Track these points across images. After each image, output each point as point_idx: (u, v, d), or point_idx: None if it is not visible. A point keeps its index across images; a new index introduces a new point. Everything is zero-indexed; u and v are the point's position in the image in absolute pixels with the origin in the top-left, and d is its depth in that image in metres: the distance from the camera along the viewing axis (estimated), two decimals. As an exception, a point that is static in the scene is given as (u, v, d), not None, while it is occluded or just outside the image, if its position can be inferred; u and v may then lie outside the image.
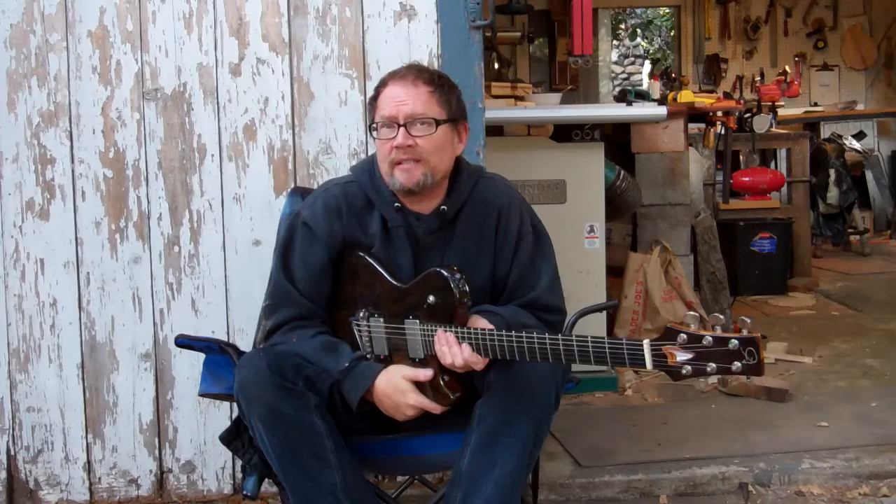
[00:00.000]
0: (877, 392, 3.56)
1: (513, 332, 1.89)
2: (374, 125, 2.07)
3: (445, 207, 2.10)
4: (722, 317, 1.75)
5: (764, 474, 2.82)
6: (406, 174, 2.03)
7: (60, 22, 2.63)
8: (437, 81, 2.09)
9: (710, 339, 1.70)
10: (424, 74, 2.09)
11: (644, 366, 1.76)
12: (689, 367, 1.72)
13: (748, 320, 1.72)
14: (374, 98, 2.10)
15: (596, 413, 3.45)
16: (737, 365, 1.69)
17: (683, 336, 1.72)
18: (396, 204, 2.10)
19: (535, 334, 1.87)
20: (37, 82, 2.63)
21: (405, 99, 2.03)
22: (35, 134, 2.64)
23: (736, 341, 1.69)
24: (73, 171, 2.66)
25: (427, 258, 2.10)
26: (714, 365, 1.70)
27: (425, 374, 1.99)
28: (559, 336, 1.86)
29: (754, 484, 2.80)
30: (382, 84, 2.10)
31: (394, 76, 2.09)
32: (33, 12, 2.62)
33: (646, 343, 1.75)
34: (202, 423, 2.73)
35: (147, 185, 2.67)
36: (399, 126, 2.02)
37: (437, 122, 2.04)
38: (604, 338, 1.83)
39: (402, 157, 2.02)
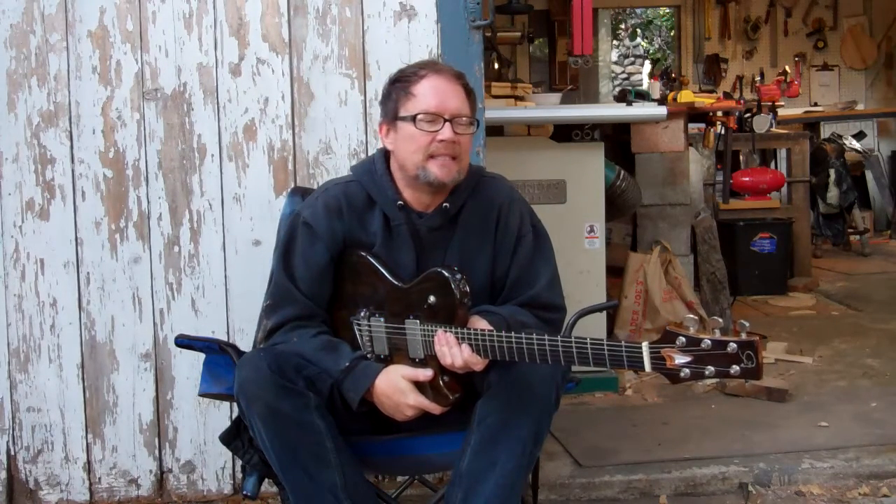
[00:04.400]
0: (877, 392, 3.57)
1: (512, 334, 1.89)
2: (412, 116, 2.02)
3: (448, 205, 2.10)
4: (721, 320, 1.74)
5: (764, 474, 2.82)
6: (444, 169, 2.03)
7: (60, 22, 2.63)
8: (468, 83, 2.12)
9: (709, 342, 1.70)
10: (460, 75, 2.11)
11: (643, 368, 1.75)
12: (687, 370, 1.72)
13: (747, 324, 1.71)
14: (406, 88, 2.06)
15: (596, 413, 3.45)
16: (735, 368, 1.69)
17: (682, 339, 1.71)
18: (399, 202, 2.10)
19: (534, 336, 1.87)
20: (37, 82, 2.63)
21: (452, 95, 2.05)
22: (35, 134, 2.64)
23: (735, 345, 1.68)
24: (73, 171, 2.66)
25: (429, 255, 2.11)
26: (712, 368, 1.70)
27: (425, 374, 1.99)
28: (558, 338, 1.86)
29: (754, 484, 2.80)
30: (416, 75, 2.07)
31: (432, 69, 2.08)
32: (33, 12, 2.62)
33: (644, 345, 1.75)
34: (202, 423, 2.73)
35: (147, 185, 2.67)
36: (445, 121, 2.02)
37: (476, 123, 2.08)
38: (603, 340, 1.83)
39: (442, 151, 2.02)
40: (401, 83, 2.08)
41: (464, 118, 2.05)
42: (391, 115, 2.09)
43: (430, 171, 2.03)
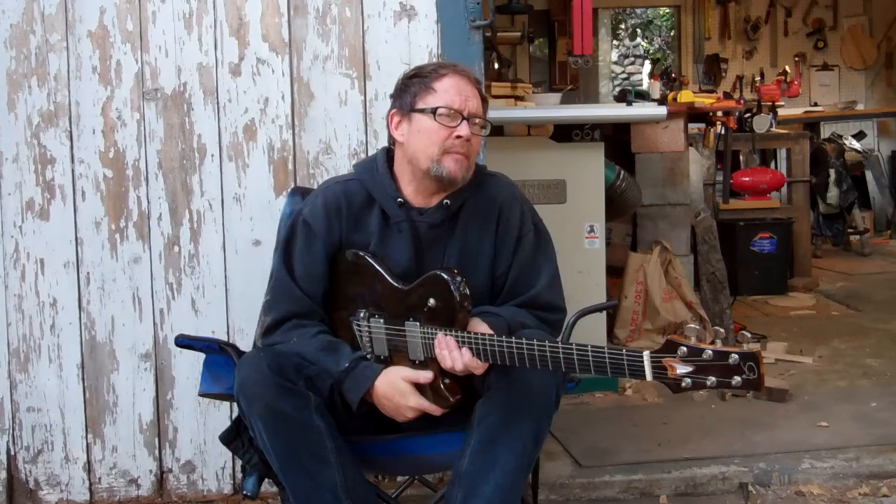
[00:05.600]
0: (877, 392, 3.57)
1: (513, 339, 1.89)
2: (432, 109, 2.04)
3: (448, 201, 2.11)
4: (722, 330, 1.74)
5: (764, 474, 2.82)
6: (457, 164, 2.05)
7: (60, 22, 2.63)
8: (482, 90, 2.15)
9: (711, 352, 1.69)
10: (477, 80, 2.15)
11: (644, 377, 1.75)
12: (688, 380, 1.71)
13: (748, 335, 1.72)
14: (426, 83, 2.08)
15: (596, 413, 3.45)
16: (736, 379, 1.68)
17: (684, 349, 1.71)
18: (399, 199, 2.10)
19: (535, 342, 1.86)
20: (37, 82, 2.63)
21: (470, 95, 2.08)
22: (35, 134, 2.64)
23: (736, 356, 1.68)
24: (73, 171, 2.66)
25: (428, 253, 2.11)
26: (714, 379, 1.70)
27: (425, 376, 1.98)
28: (559, 345, 1.86)
29: (754, 484, 2.80)
30: (436, 72, 2.09)
31: (453, 69, 2.11)
32: (33, 12, 2.62)
33: (646, 355, 1.75)
34: (202, 423, 2.73)
35: (147, 185, 2.67)
36: (463, 118, 2.05)
37: (487, 127, 2.12)
38: (604, 347, 1.82)
39: (458, 149, 2.05)
40: (420, 78, 2.10)
41: (478, 119, 2.09)
42: (407, 107, 2.09)
43: (443, 166, 2.05)
